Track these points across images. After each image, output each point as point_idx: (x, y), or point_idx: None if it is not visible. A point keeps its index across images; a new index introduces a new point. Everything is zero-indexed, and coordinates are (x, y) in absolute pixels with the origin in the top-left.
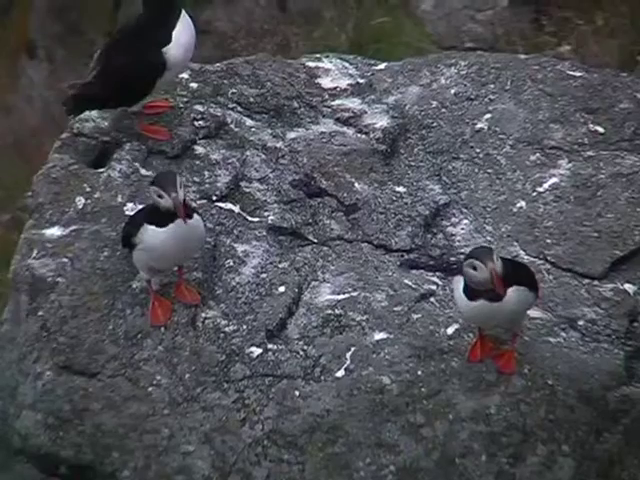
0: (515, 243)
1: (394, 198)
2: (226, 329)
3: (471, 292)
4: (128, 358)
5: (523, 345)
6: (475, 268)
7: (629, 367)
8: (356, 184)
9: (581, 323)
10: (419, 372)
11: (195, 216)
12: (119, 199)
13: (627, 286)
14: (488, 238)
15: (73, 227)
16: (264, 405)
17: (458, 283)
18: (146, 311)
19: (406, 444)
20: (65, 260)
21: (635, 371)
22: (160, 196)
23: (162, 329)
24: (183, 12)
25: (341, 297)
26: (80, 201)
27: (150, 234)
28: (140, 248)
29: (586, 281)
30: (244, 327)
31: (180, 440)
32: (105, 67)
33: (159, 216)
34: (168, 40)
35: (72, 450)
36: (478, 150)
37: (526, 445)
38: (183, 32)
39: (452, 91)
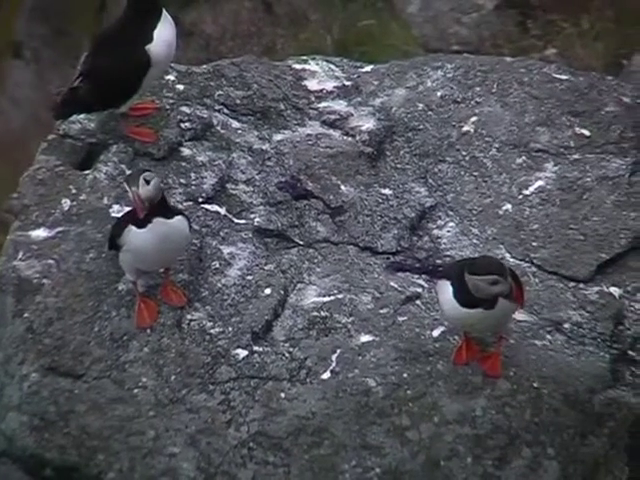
0: (501, 246)
1: (380, 200)
2: (212, 331)
3: (469, 300)
4: (114, 360)
5: (509, 348)
6: (496, 283)
7: (614, 370)
8: (342, 186)
9: (567, 326)
10: (405, 374)
11: (178, 217)
12: (105, 201)
13: (612, 289)
14: (474, 241)
15: (59, 229)
16: (250, 407)
17: (443, 287)
18: (132, 313)
19: (391, 446)
20: (51, 262)
21: (620, 374)
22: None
23: (148, 331)
24: (164, 12)
25: (327, 299)
26: (66, 203)
27: (133, 235)
28: (125, 249)
29: (572, 284)
30: (230, 329)
31: (165, 442)
32: (90, 70)
33: (139, 217)
34: (150, 38)
35: (57, 452)
36: (464, 153)
37: (511, 448)
38: (164, 31)
39: (438, 94)
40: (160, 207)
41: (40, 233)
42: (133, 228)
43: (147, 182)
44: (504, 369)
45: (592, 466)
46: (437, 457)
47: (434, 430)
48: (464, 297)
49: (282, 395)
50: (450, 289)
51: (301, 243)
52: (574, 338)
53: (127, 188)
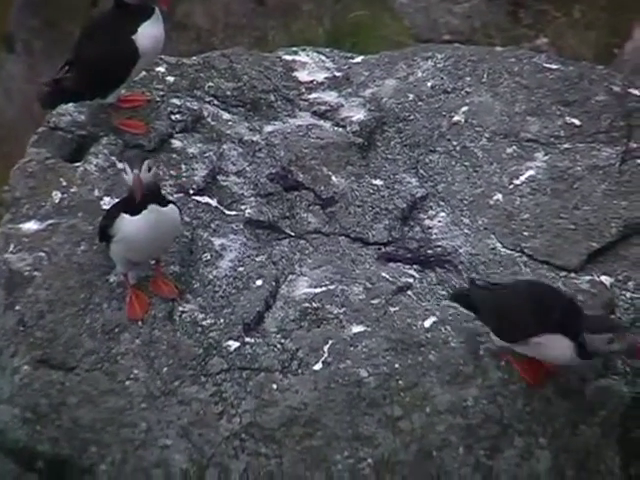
0: (492, 236)
1: (371, 191)
2: (203, 323)
3: (589, 354)
4: (105, 352)
5: None
6: (612, 341)
7: (606, 359)
8: (333, 177)
9: None
10: (396, 365)
11: (170, 205)
12: (96, 193)
13: (604, 278)
14: (465, 231)
15: (50, 221)
16: (241, 398)
17: (555, 342)
18: (123, 305)
19: (384, 437)
20: (42, 254)
21: (612, 363)
22: (126, 173)
23: (139, 323)
24: (156, 10)
25: (318, 290)
26: (57, 195)
27: (126, 223)
28: (116, 239)
29: (563, 273)
30: (221, 320)
31: (157, 434)
32: (78, 58)
33: (133, 204)
34: (135, 30)
35: (49, 444)
36: (455, 143)
37: (503, 437)
38: (151, 24)
39: (429, 84)
40: (154, 196)
41: (31, 226)
42: (126, 216)
43: (149, 169)
44: (497, 359)
45: (584, 455)
46: (429, 447)
47: (426, 420)
48: (585, 353)
49: (274, 386)
50: (564, 343)
51: (292, 234)
52: None
53: (127, 169)
